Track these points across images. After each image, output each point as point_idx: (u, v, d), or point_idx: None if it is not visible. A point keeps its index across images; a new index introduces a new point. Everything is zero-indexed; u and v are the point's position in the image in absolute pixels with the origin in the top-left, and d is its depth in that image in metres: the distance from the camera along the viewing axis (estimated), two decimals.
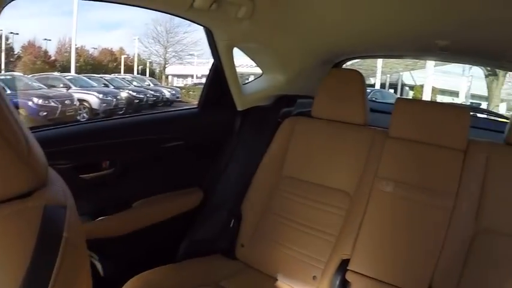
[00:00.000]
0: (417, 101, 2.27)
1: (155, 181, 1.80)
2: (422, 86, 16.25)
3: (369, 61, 14.50)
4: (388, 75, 18.40)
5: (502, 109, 14.23)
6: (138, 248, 1.68)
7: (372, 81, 16.85)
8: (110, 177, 1.61)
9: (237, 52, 1.79)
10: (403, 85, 19.21)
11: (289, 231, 1.75)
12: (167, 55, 20.35)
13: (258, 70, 2.07)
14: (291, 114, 2.09)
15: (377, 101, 4.42)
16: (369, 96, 2.44)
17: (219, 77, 1.84)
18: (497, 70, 10.83)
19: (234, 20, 1.55)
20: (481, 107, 9.93)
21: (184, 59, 20.26)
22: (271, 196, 1.85)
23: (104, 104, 10.62)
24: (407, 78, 18.78)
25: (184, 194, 1.87)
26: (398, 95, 17.67)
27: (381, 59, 13.86)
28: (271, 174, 1.88)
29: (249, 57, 1.97)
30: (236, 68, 1.83)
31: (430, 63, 14.36)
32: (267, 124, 2.00)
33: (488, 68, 11.06)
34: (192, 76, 20.13)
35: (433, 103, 2.37)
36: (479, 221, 1.48)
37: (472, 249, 1.47)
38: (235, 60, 1.81)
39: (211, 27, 1.63)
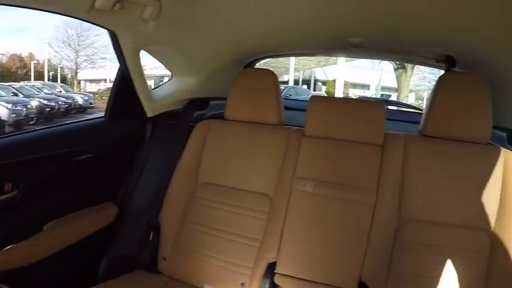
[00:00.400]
0: (331, 99, 2.31)
1: (66, 199, 1.64)
2: (334, 81, 16.98)
3: (282, 58, 14.82)
4: (301, 72, 19.04)
5: (411, 99, 15.36)
6: (55, 273, 1.55)
7: (285, 78, 17.30)
8: (14, 201, 1.44)
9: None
10: (316, 81, 20.00)
11: (211, 240, 1.69)
12: (78, 59, 19.46)
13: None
14: (204, 117, 2.03)
15: (291, 98, 4.49)
16: (283, 93, 2.45)
17: (126, 83, 1.72)
18: (405, 63, 11.57)
19: (139, 21, 1.46)
20: (391, 98, 10.56)
21: (97, 63, 19.48)
22: (188, 204, 1.77)
23: (14, 115, 10.00)
24: (320, 74, 19.58)
25: (98, 210, 1.73)
26: (311, 90, 18.32)
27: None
28: (187, 181, 1.80)
29: (158, 60, 1.87)
30: (148, 71, 1.72)
31: (342, 59, 15.01)
32: (180, 129, 1.92)
33: (397, 62, 11.78)
34: (105, 80, 19.36)
35: (347, 100, 2.42)
36: (402, 212, 1.53)
37: (397, 239, 1.51)
38: (150, 61, 1.71)
39: (115, 30, 1.51)
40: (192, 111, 2.00)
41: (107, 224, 1.75)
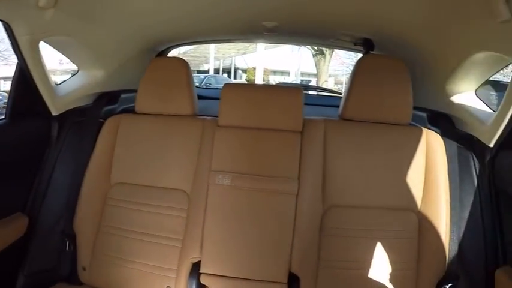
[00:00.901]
0: (246, 85, 2.24)
1: None
2: (254, 68, 17.09)
3: (201, 48, 14.63)
4: (222, 61, 18.95)
5: (330, 83, 15.90)
6: None
7: (205, 67, 17.12)
8: None
9: None
10: (236, 69, 20.03)
11: (130, 244, 1.58)
12: None
13: None
14: (115, 112, 1.89)
15: (211, 87, 4.40)
16: (203, 83, 2.37)
17: (26, 79, 1.55)
18: (324, 49, 11.89)
19: (34, 10, 1.32)
20: (311, 83, 10.82)
21: (10, 59, 17.78)
22: (103, 207, 1.64)
23: None
24: (240, 62, 19.62)
25: (6, 222, 1.54)
26: (232, 79, 18.35)
27: (214, 45, 14.07)
28: (100, 183, 1.66)
29: (61, 52, 1.71)
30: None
31: (261, 47, 15.13)
32: (89, 127, 1.76)
33: (316, 48, 12.08)
34: None
35: (263, 86, 2.39)
36: (326, 199, 1.52)
37: (323, 227, 1.50)
38: None
39: (8, 20, 1.34)
40: (102, 107, 1.84)
41: (18, 237, 1.57)
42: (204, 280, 1.49)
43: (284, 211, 1.51)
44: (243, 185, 1.53)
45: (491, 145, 1.47)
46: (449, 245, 1.48)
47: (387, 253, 1.48)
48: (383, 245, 1.48)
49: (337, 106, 1.67)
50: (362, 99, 1.56)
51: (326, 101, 2.34)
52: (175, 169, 1.61)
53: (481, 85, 1.65)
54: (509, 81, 1.34)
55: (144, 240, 1.57)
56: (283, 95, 1.62)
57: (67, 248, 1.60)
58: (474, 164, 1.56)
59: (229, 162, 1.56)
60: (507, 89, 1.34)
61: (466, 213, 1.52)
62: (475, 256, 1.50)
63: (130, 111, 1.77)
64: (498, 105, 1.42)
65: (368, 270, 1.48)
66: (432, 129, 1.63)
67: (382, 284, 1.47)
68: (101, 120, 1.76)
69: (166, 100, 1.67)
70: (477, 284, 1.49)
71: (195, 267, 1.51)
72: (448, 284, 1.47)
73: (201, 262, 1.50)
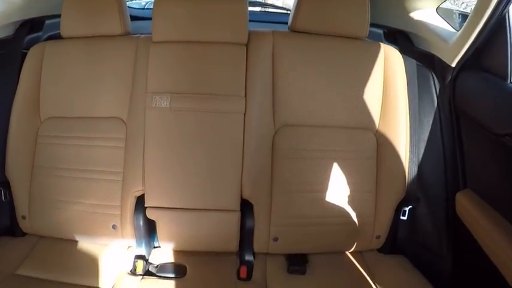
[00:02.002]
0: None
1: None
2: None
3: None
4: None
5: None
6: None
7: None
8: None
9: None
10: None
11: (67, 184, 1.45)
12: None
13: None
14: (40, 41, 1.66)
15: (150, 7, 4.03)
16: (147, 5, 2.16)
17: None
18: None
19: None
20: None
21: None
22: (35, 147, 1.48)
23: None
24: None
25: None
26: None
27: None
28: (28, 120, 1.48)
29: None
30: None
31: None
32: (11, 59, 1.54)
33: None
34: None
35: None
36: (277, 117, 1.41)
37: (275, 148, 1.41)
38: None
39: None
40: (24, 36, 1.61)
41: None
42: (150, 214, 1.40)
43: (231, 133, 1.39)
44: (183, 106, 1.39)
45: (453, 65, 1.40)
46: (409, 166, 1.43)
47: (344, 174, 1.41)
48: (340, 166, 1.41)
49: (286, 23, 1.52)
50: (314, 8, 1.42)
51: (273, 17, 2.16)
52: (109, 95, 1.45)
53: (443, 3, 1.56)
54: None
55: (82, 177, 1.44)
56: (224, 3, 1.45)
57: (3, 198, 1.47)
58: (434, 84, 1.48)
59: (166, 82, 1.41)
60: (474, 7, 1.26)
61: (426, 135, 1.46)
62: (435, 179, 1.47)
63: (57, 37, 1.56)
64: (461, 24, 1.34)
65: (325, 193, 1.41)
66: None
67: (340, 207, 1.42)
68: (24, 51, 1.55)
69: (94, 20, 1.47)
70: (437, 208, 1.47)
71: (140, 202, 1.41)
72: (407, 207, 1.44)
73: (145, 195, 1.40)
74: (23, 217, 1.47)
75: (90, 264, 1.39)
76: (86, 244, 1.47)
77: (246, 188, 1.40)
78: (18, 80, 1.49)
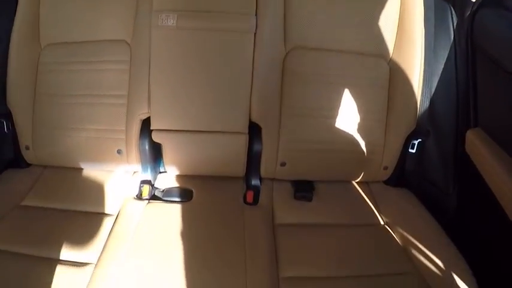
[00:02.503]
0: None
1: None
2: None
3: None
4: None
5: None
6: None
7: None
8: None
9: None
10: None
11: (71, 110, 1.42)
12: None
13: None
14: None
15: None
16: None
17: None
18: None
19: None
20: None
21: None
22: (36, 74, 1.44)
23: None
24: None
25: None
26: None
27: None
28: (29, 47, 1.43)
29: None
30: None
31: None
32: None
33: None
34: None
35: None
36: (288, 39, 1.37)
37: (286, 71, 1.37)
38: None
39: None
40: None
41: None
42: (156, 137, 1.37)
43: (241, 53, 1.34)
44: (191, 25, 1.33)
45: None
46: (421, 98, 1.40)
47: (355, 101, 1.38)
48: (351, 93, 1.38)
49: None
50: None
51: None
52: (112, 17, 1.40)
53: None
54: None
55: (86, 102, 1.41)
56: None
57: (5, 130, 1.43)
58: (452, 17, 1.43)
59: None
60: None
61: (440, 69, 1.42)
62: (446, 114, 1.44)
63: None
64: None
65: (335, 119, 1.39)
66: None
67: (349, 135, 1.40)
68: None
69: None
70: (446, 144, 1.45)
71: (146, 125, 1.38)
72: (416, 140, 1.41)
73: (151, 118, 1.37)
74: (27, 147, 1.45)
75: (96, 191, 1.38)
76: (91, 171, 1.46)
77: (254, 111, 1.37)
78: (15, 7, 1.43)
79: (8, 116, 1.43)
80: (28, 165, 1.48)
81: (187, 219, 1.28)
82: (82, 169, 1.47)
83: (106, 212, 1.31)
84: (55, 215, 1.28)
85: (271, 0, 1.35)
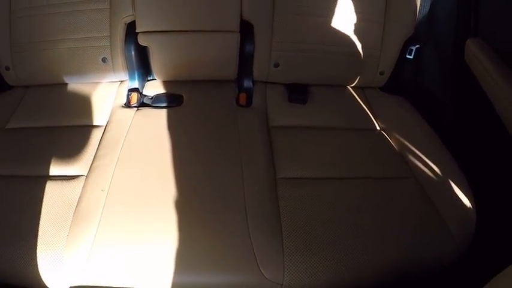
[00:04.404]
0: None
1: None
2: None
3: None
4: None
5: None
6: None
7: None
8: None
9: None
10: None
11: (51, 21, 1.35)
12: None
13: None
14: None
15: None
16: None
17: None
18: None
19: None
20: None
21: None
22: None
23: None
24: None
25: None
26: None
27: None
28: None
29: None
30: None
31: None
32: None
33: None
34: None
35: None
36: None
37: None
38: None
39: None
40: None
41: None
42: (142, 40, 1.33)
43: None
44: None
45: None
46: (421, 2, 1.36)
47: (352, 1, 1.34)
48: None
49: None
50: None
51: None
52: None
53: None
54: None
55: (65, 11, 1.34)
56: None
57: None
58: None
59: None
60: None
61: None
62: (446, 21, 1.39)
63: None
64: None
65: (330, 18, 1.35)
66: None
67: (346, 35, 1.36)
68: None
69: None
70: (445, 52, 1.41)
71: (131, 29, 1.34)
72: (415, 46, 1.39)
73: (136, 20, 1.32)
74: (7, 68, 1.38)
75: (83, 104, 1.34)
76: (75, 85, 1.41)
77: (246, 7, 1.33)
78: None
79: None
80: (10, 87, 1.43)
81: (179, 123, 1.24)
82: (66, 84, 1.41)
83: (94, 123, 1.28)
84: (42, 134, 1.24)
85: None
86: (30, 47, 1.37)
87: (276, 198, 1.04)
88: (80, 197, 1.03)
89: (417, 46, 1.39)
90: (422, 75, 1.44)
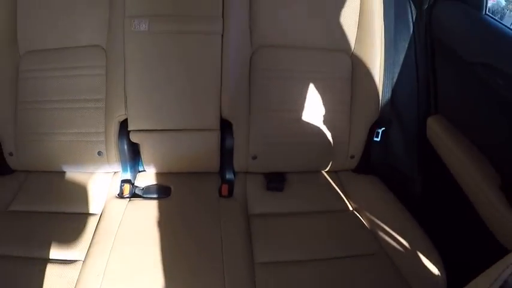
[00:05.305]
0: None
1: None
2: None
3: None
4: None
5: None
6: None
7: None
8: None
9: None
10: None
11: (52, 115, 1.46)
12: None
13: None
14: None
15: None
16: None
17: None
18: None
19: None
20: None
21: None
22: (16, 82, 1.47)
23: None
24: None
25: None
26: None
27: None
28: (7, 55, 1.46)
29: None
30: None
31: None
32: None
33: None
34: None
35: None
36: (254, 38, 1.44)
37: (252, 69, 1.45)
38: None
39: None
40: None
41: None
42: (134, 138, 1.43)
43: (209, 54, 1.41)
44: (162, 28, 1.40)
45: None
46: (383, 89, 1.48)
47: (320, 95, 1.46)
48: (315, 87, 1.46)
49: None
50: None
51: None
52: (87, 23, 1.45)
53: None
54: None
55: (66, 107, 1.46)
56: None
57: None
58: (411, 11, 1.51)
59: (145, 4, 1.40)
60: None
61: (401, 59, 1.51)
62: (407, 102, 1.53)
63: None
64: None
65: (301, 112, 1.46)
66: None
67: (316, 127, 1.47)
68: None
69: None
70: (409, 131, 1.53)
71: (124, 127, 1.44)
72: (380, 128, 1.50)
73: (128, 119, 1.43)
74: (10, 154, 1.48)
75: (79, 192, 1.43)
76: (73, 174, 1.51)
77: (225, 108, 1.44)
78: None
79: None
80: (12, 171, 1.52)
81: (167, 214, 1.34)
82: (65, 172, 1.51)
83: (90, 211, 1.37)
84: (41, 218, 1.32)
85: (236, 3, 1.42)
86: (33, 137, 1.47)
87: (253, 283, 1.13)
88: (77, 279, 1.12)
89: (383, 129, 1.50)
90: (390, 154, 1.55)
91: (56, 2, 1.44)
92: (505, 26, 1.28)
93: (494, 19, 1.34)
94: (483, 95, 1.27)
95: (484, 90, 1.25)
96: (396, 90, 1.51)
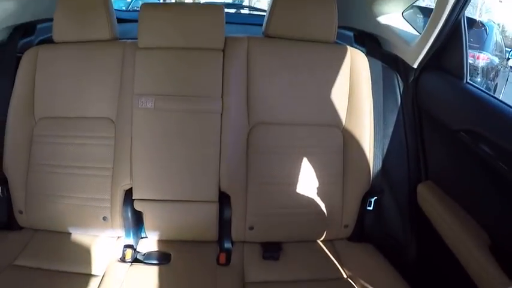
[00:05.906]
0: (165, 5, 2.09)
1: None
2: None
3: None
4: None
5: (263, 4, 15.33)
6: None
7: None
8: None
9: None
10: None
11: (61, 179, 1.55)
12: None
13: None
14: (32, 44, 1.75)
15: (133, 9, 3.99)
16: (131, 6, 2.23)
17: None
18: None
19: None
20: (244, 3, 10.52)
21: None
22: (30, 145, 1.57)
23: None
24: None
25: None
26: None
27: None
28: (24, 119, 1.57)
29: None
30: None
31: None
32: (6, 63, 1.63)
33: None
34: None
35: (183, 5, 2.29)
36: (251, 116, 1.53)
37: (250, 144, 1.53)
38: None
39: None
40: (17, 40, 1.70)
41: None
42: (137, 206, 1.51)
43: (209, 131, 1.50)
44: (167, 107, 1.50)
45: (415, 66, 1.52)
46: (374, 160, 1.56)
47: (313, 168, 1.53)
48: (309, 161, 1.53)
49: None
50: (286, 16, 1.53)
51: (256, 19, 2.28)
52: (99, 97, 1.56)
53: (409, 8, 1.68)
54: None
55: (75, 173, 1.54)
56: (203, 13, 1.57)
57: (1, 194, 1.55)
58: (398, 84, 1.60)
59: (151, 84, 1.52)
60: (432, 12, 1.37)
61: (390, 131, 1.59)
62: (398, 172, 1.59)
63: (49, 41, 1.65)
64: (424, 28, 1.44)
65: (296, 185, 1.53)
66: (358, 49, 1.64)
67: (310, 198, 1.54)
68: (19, 54, 1.64)
69: (84, 25, 1.56)
70: (401, 199, 1.59)
71: (128, 195, 1.52)
72: (373, 198, 1.56)
73: (133, 188, 1.51)
74: (20, 212, 1.55)
75: (83, 254, 1.49)
76: (78, 235, 1.56)
77: (223, 181, 1.51)
78: (13, 83, 1.58)
79: (4, 181, 1.56)
80: (20, 228, 1.58)
81: (167, 280, 1.39)
82: (70, 233, 1.57)
83: (92, 273, 1.42)
84: (45, 275, 1.38)
85: (234, 85, 1.52)
86: (42, 198, 1.54)
87: None
88: None
89: (375, 198, 1.56)
90: (383, 222, 1.60)
91: (72, 75, 1.57)
92: (486, 92, 1.35)
93: (476, 86, 1.41)
94: (469, 161, 1.32)
95: (470, 156, 1.30)
96: (387, 161, 1.58)
